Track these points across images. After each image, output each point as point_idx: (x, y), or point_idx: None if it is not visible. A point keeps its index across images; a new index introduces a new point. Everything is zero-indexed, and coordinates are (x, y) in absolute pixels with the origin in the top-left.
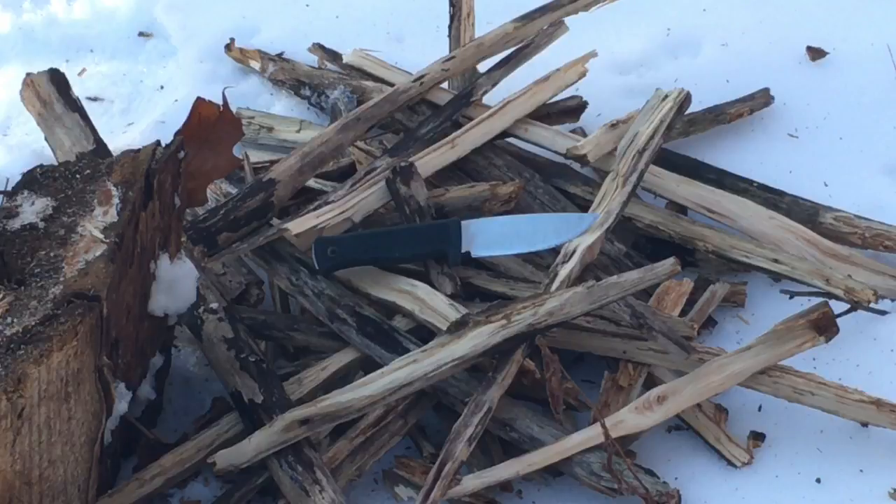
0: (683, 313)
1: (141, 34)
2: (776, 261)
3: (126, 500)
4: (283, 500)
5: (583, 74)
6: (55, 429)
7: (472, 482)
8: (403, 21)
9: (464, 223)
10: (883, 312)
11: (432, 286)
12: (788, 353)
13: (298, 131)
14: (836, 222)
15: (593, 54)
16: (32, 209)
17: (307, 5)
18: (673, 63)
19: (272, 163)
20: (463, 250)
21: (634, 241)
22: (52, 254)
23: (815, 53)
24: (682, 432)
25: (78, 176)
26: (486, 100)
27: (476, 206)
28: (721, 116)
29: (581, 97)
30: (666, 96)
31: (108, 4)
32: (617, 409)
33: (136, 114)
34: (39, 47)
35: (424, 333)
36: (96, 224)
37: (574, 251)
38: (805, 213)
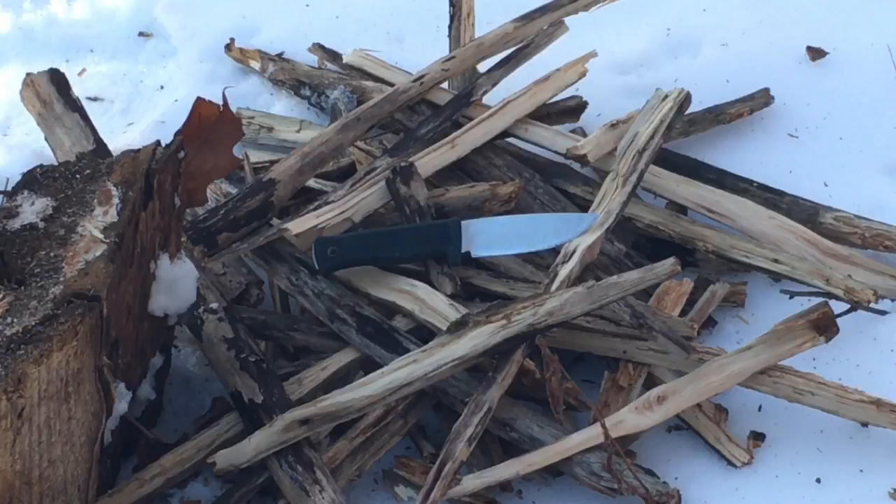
0: (683, 313)
1: (141, 34)
2: (776, 261)
3: (126, 500)
4: (283, 500)
5: (583, 74)
6: (55, 429)
7: (472, 482)
8: (403, 21)
9: (464, 223)
10: (883, 312)
11: (432, 286)
12: (788, 353)
13: (298, 131)
14: (836, 222)
15: (593, 54)
16: (32, 209)
17: (307, 5)
18: (673, 63)
19: (272, 163)
20: (463, 250)
21: (634, 241)
22: (52, 254)
23: (815, 53)
24: (682, 432)
25: (78, 176)
26: (486, 100)
27: (476, 206)
28: (721, 116)
29: (581, 97)
30: (666, 96)
31: (108, 4)
32: (617, 409)
33: (136, 114)
34: (39, 47)
35: (424, 333)
36: (96, 224)
37: (574, 251)
38: (805, 213)
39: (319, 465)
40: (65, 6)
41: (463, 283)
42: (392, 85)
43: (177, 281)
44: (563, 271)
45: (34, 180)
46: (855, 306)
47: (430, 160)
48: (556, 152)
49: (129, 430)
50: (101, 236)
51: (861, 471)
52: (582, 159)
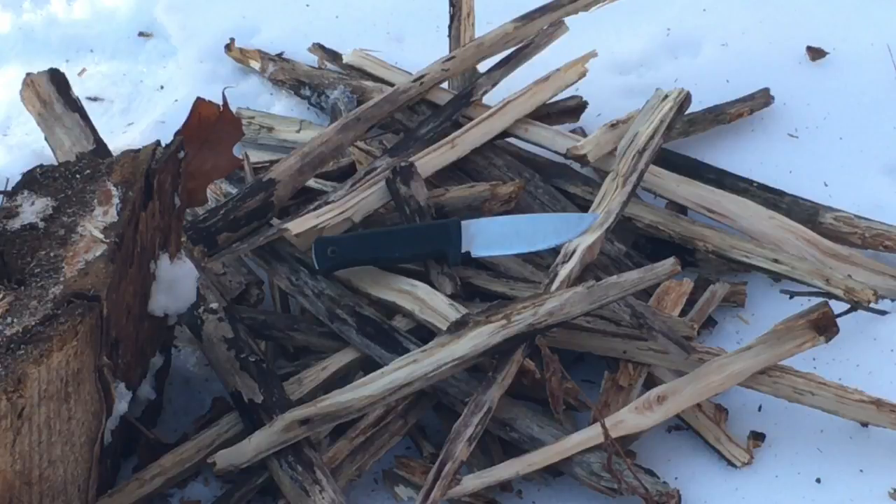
0: (683, 313)
1: (141, 34)
2: (776, 261)
3: (126, 500)
4: (283, 500)
5: (583, 74)
6: (55, 429)
7: (472, 482)
8: (403, 21)
9: (464, 223)
10: (883, 312)
11: (432, 286)
12: (788, 353)
13: (298, 131)
14: (836, 222)
15: (593, 54)
16: (32, 209)
17: (307, 5)
18: (673, 63)
19: (272, 163)
20: (463, 250)
21: (634, 241)
22: (52, 254)
23: (815, 53)
24: (682, 432)
25: (78, 176)
26: (486, 100)
27: (476, 206)
28: (721, 116)
29: (581, 97)
30: (666, 96)
31: (108, 4)
32: (617, 409)
33: (136, 114)
34: (39, 47)
35: (424, 333)
36: (96, 224)
37: (574, 251)
38: (805, 213)
39: (319, 465)
40: (65, 6)
41: (463, 283)
42: (392, 85)
43: (177, 281)
44: (563, 271)
45: (34, 180)
46: (855, 306)
47: (430, 160)
48: (556, 152)
49: (129, 430)
50: (101, 236)
51: (861, 471)
52: (582, 159)
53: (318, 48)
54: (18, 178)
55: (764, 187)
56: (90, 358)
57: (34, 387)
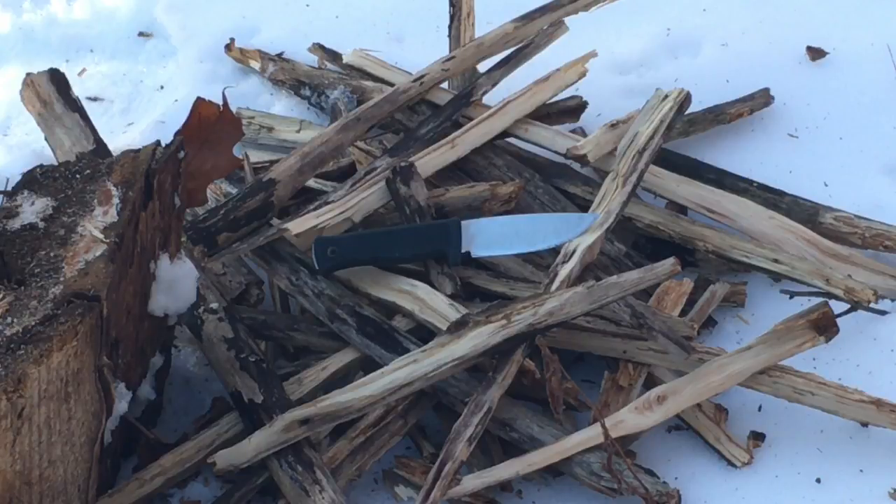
0: (683, 313)
1: (141, 34)
2: (776, 261)
3: (126, 500)
4: (283, 500)
5: (583, 74)
6: (55, 429)
7: (472, 482)
8: (403, 21)
9: (464, 223)
10: (883, 312)
11: (432, 286)
12: (788, 353)
13: (298, 131)
14: (836, 222)
15: (593, 54)
16: (32, 209)
17: (307, 5)
18: (673, 63)
19: (272, 163)
20: (463, 250)
21: (634, 241)
22: (52, 254)
23: (815, 53)
24: (682, 432)
25: (78, 176)
26: (486, 100)
27: (476, 206)
28: (721, 116)
29: (581, 97)
30: (666, 96)
31: (108, 4)
32: (617, 409)
33: (136, 114)
34: (39, 47)
35: (424, 333)
36: (96, 224)
37: (574, 251)
38: (805, 213)
39: (319, 465)
40: (65, 6)
41: (463, 283)
42: (392, 85)
43: (177, 281)
44: (563, 271)
45: (34, 180)
46: (855, 306)
47: (430, 160)
48: (556, 152)
49: (129, 430)
50: (101, 236)
51: (861, 471)
52: (582, 159)
53: (318, 48)
54: (18, 178)
55: (764, 187)
56: (90, 358)
57: (34, 387)
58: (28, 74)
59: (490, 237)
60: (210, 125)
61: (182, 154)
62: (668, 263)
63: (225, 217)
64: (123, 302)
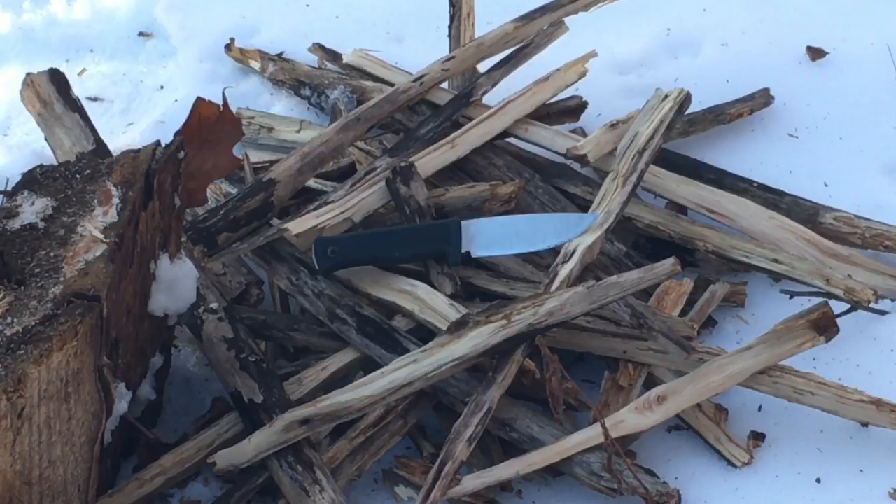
0: (683, 313)
1: (141, 34)
2: (776, 261)
3: (126, 500)
4: (283, 500)
5: (583, 74)
6: (55, 429)
7: (472, 482)
8: (403, 21)
9: (464, 223)
10: (883, 312)
11: (432, 286)
12: (788, 353)
13: (298, 131)
14: (836, 222)
15: (593, 54)
16: (32, 209)
17: (307, 5)
18: (673, 63)
19: (272, 163)
20: (463, 250)
21: (634, 241)
22: (52, 254)
23: (815, 53)
24: (682, 432)
25: (78, 176)
26: (486, 100)
27: (476, 206)
28: (721, 116)
29: (581, 97)
30: (666, 96)
31: (108, 4)
32: (617, 409)
33: (136, 114)
34: (39, 47)
35: (424, 333)
36: (96, 224)
37: (574, 251)
38: (805, 213)
39: (319, 465)
40: (65, 6)
41: (463, 283)
42: (392, 85)
43: (177, 281)
44: (563, 271)
45: (34, 180)
46: (855, 306)
47: (430, 160)
48: (556, 152)
49: (129, 430)
50: (101, 236)
51: (861, 471)
52: (582, 159)
53: (318, 48)
54: (18, 178)
55: (764, 187)
56: (90, 358)
57: (34, 387)
58: (28, 74)
59: (490, 237)
60: (210, 125)
61: (182, 154)
62: (668, 263)
63: (225, 217)
64: (123, 302)
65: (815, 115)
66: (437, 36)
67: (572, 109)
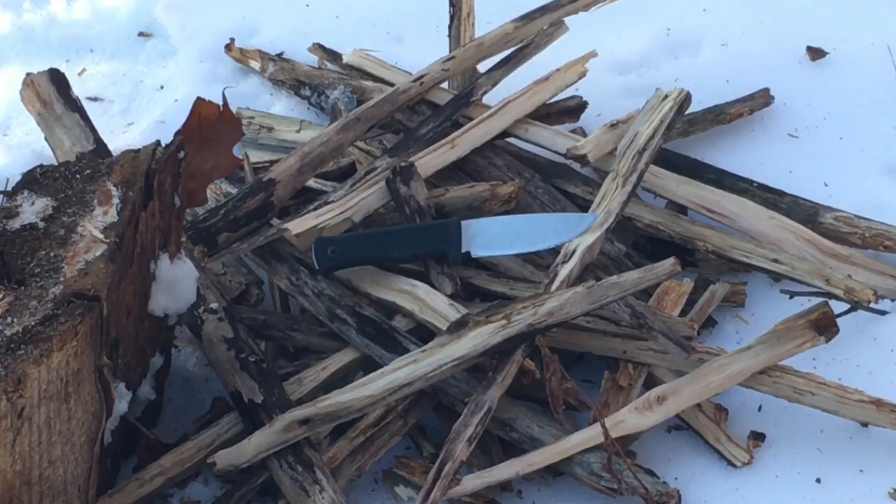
0: (683, 313)
1: (141, 34)
2: (776, 261)
3: (126, 500)
4: (283, 500)
5: (583, 74)
6: (55, 429)
7: (472, 482)
8: (403, 21)
9: (464, 223)
10: (883, 312)
11: (432, 286)
12: (788, 353)
13: (298, 131)
14: (836, 222)
15: (593, 54)
16: (32, 209)
17: (307, 5)
18: (673, 63)
19: (272, 163)
20: (463, 250)
21: (634, 241)
22: (52, 254)
23: (815, 53)
24: (682, 432)
25: (78, 176)
26: (486, 100)
27: (476, 206)
28: (721, 116)
29: (581, 97)
30: (666, 96)
31: (108, 4)
32: (617, 409)
33: (136, 114)
34: (39, 47)
35: (424, 333)
36: (96, 224)
37: (574, 251)
38: (805, 213)
39: (319, 465)
40: (65, 6)
41: (463, 283)
42: (392, 85)
43: (177, 281)
44: (563, 271)
45: (34, 180)
46: (855, 306)
47: (430, 160)
48: (556, 152)
49: (129, 430)
50: (101, 236)
51: (861, 471)
52: (582, 159)
53: (318, 48)
54: (18, 178)
55: (764, 187)
56: (90, 358)
57: (34, 387)
58: (28, 74)
59: (490, 237)
60: (210, 125)
61: (182, 154)
62: (668, 263)
63: (225, 217)
64: (123, 302)
65: (815, 115)
66: (437, 36)
67: (572, 109)
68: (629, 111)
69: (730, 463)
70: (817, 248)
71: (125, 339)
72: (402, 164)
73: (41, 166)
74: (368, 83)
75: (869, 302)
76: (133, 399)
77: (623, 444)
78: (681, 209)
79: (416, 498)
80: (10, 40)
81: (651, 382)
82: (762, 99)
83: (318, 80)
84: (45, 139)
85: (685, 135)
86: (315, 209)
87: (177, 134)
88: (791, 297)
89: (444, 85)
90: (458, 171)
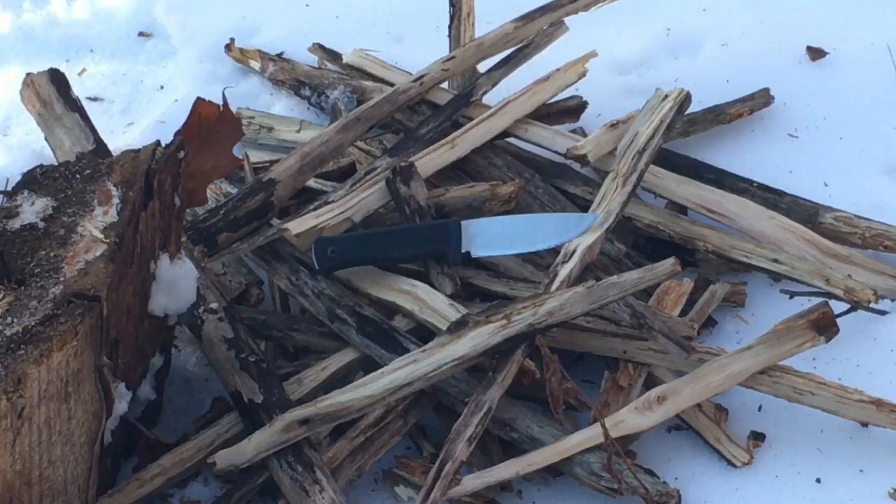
0: (683, 313)
1: (141, 34)
2: (776, 261)
3: (126, 500)
4: (283, 500)
5: (583, 74)
6: (55, 429)
7: (472, 482)
8: (403, 21)
9: (464, 223)
10: (883, 312)
11: (432, 286)
12: (788, 353)
13: (298, 131)
14: (836, 222)
15: (593, 54)
16: (32, 209)
17: (307, 5)
18: (673, 63)
19: (272, 163)
20: (463, 250)
21: (634, 241)
22: (52, 254)
23: (815, 53)
24: (682, 432)
25: (78, 176)
26: (486, 100)
27: (476, 206)
28: (721, 116)
29: (581, 97)
30: (666, 96)
31: (108, 4)
32: (617, 409)
33: (136, 114)
34: (39, 47)
35: (424, 333)
36: (96, 224)
37: (574, 251)
38: (805, 213)
39: (319, 465)
40: (65, 6)
41: (463, 283)
42: (392, 85)
43: (177, 281)
44: (563, 271)
45: (34, 180)
46: (855, 306)
47: (430, 160)
48: (556, 152)
49: (129, 430)
50: (101, 236)
51: (861, 471)
52: (582, 159)
53: (318, 48)
54: (18, 178)
55: (764, 187)
56: (90, 358)
57: (34, 387)
58: (28, 74)
59: (490, 237)
60: (210, 125)
61: (182, 154)
62: (668, 263)
63: (225, 217)
64: (123, 302)
65: (815, 115)
66: (437, 36)
67: (572, 109)
68: (629, 111)
69: (730, 463)
70: (817, 248)
71: (125, 339)
72: (402, 164)
73: (41, 166)
74: (368, 83)
75: (869, 302)
76: (133, 399)
77: (623, 444)
78: (681, 209)
79: (416, 498)
80: (10, 40)
81: (651, 382)
82: (762, 99)
83: (318, 80)
84: (45, 139)
85: (685, 135)
86: (315, 209)
87: (177, 134)
88: (791, 297)
89: (444, 85)
90: (458, 171)
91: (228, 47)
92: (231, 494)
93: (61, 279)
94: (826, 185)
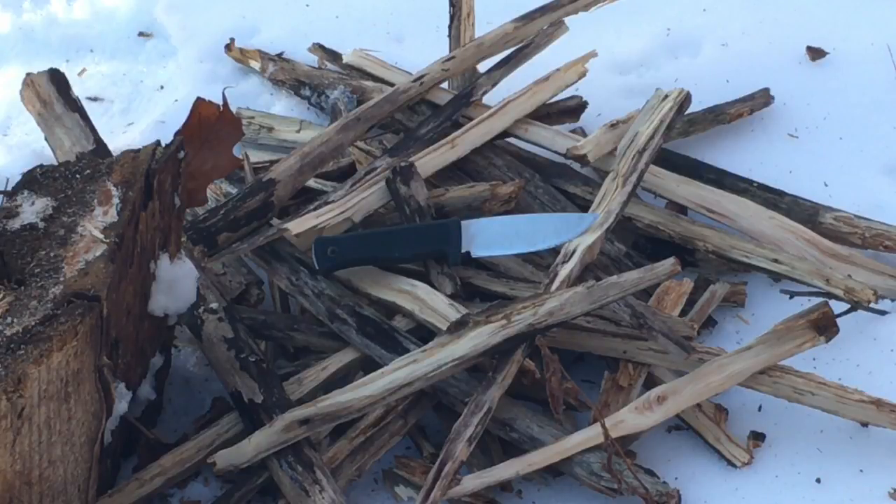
0: (683, 313)
1: (141, 34)
2: (776, 261)
3: (126, 500)
4: (283, 500)
5: (583, 74)
6: (55, 429)
7: (472, 482)
8: (403, 21)
9: (464, 223)
10: (883, 312)
11: (432, 286)
12: (788, 353)
13: (298, 131)
14: (836, 222)
15: (593, 54)
16: (32, 209)
17: (307, 5)
18: (673, 63)
19: (272, 163)
20: (463, 250)
21: (634, 241)
22: (52, 254)
23: (815, 53)
24: (682, 432)
25: (78, 176)
26: (486, 100)
27: (476, 206)
28: (721, 116)
29: (581, 97)
30: (666, 96)
31: (108, 4)
32: (617, 409)
33: (136, 114)
34: (39, 47)
35: (424, 333)
36: (96, 224)
37: (574, 251)
38: (805, 213)
39: (319, 465)
40: (65, 6)
41: (463, 283)
42: (392, 85)
43: (177, 281)
44: (563, 271)
45: (34, 180)
46: (855, 306)
47: (430, 160)
48: (556, 152)
49: (129, 430)
50: (101, 236)
51: (861, 471)
52: (582, 159)
53: (318, 48)
54: (18, 178)
55: (764, 187)
56: (90, 358)
57: (34, 387)
58: (28, 74)
59: (490, 237)
60: (210, 125)
61: (182, 154)
62: (668, 263)
63: (225, 217)
64: (123, 302)
65: (815, 115)
66: (437, 36)
67: (572, 109)
68: (629, 111)
69: (730, 463)
70: (817, 248)
71: (125, 339)
72: (402, 164)
73: (41, 166)
74: (368, 83)
75: (869, 302)
76: (133, 399)
77: (623, 444)
78: (681, 209)
79: (416, 498)
80: (10, 40)
81: (651, 382)
82: (762, 99)
83: (318, 80)
84: (45, 139)
85: (685, 135)
86: (315, 209)
87: (177, 134)
88: (791, 297)
89: (444, 85)
90: (458, 171)
91: (228, 47)
92: (231, 494)
93: (61, 279)
94: (826, 185)
